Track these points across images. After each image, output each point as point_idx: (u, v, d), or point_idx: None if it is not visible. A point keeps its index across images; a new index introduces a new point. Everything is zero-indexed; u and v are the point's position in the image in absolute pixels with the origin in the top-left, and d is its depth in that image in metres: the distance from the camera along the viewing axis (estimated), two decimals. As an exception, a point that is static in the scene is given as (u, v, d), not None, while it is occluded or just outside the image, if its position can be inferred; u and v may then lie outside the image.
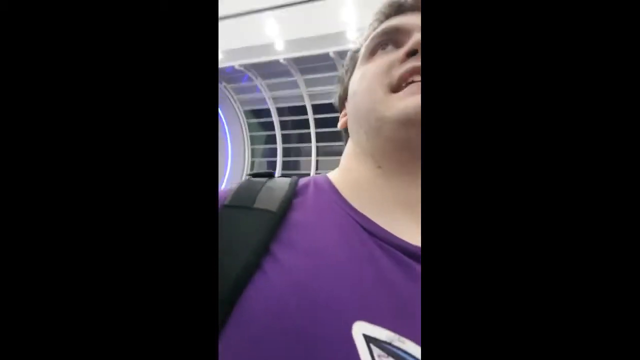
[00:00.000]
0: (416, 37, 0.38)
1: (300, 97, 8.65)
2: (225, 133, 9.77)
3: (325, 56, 7.32)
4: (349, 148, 0.45)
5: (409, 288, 0.30)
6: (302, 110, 8.89)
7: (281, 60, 7.60)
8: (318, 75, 8.00)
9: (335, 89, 0.52)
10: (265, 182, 0.39)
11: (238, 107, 9.56)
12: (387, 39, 0.42)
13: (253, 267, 0.30)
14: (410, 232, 0.34)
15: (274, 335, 0.26)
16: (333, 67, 7.43)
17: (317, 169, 8.88)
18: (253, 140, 9.91)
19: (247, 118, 9.74)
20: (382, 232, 0.34)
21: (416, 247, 0.33)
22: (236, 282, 0.29)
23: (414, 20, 0.41)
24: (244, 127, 9.80)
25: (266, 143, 9.85)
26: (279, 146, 9.56)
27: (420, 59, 0.37)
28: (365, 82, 0.41)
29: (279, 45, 7.29)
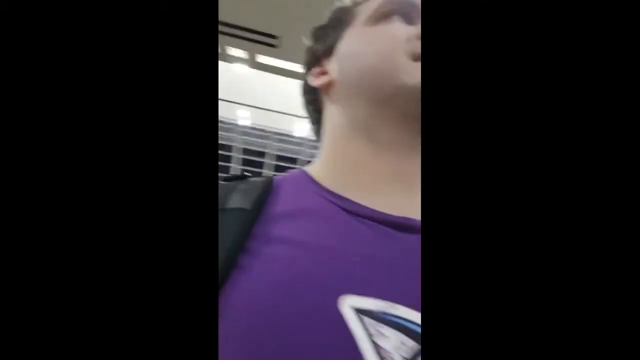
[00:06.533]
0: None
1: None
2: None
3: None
4: (333, 130, 0.42)
5: (397, 258, 0.30)
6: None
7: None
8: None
9: (310, 42, 0.46)
10: (238, 184, 0.38)
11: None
12: (397, 10, 0.39)
13: (230, 266, 0.29)
14: (401, 204, 0.34)
15: (259, 328, 0.27)
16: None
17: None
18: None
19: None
20: (364, 210, 0.34)
21: (400, 217, 0.33)
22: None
23: None
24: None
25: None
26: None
27: None
28: (380, 46, 0.37)
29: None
